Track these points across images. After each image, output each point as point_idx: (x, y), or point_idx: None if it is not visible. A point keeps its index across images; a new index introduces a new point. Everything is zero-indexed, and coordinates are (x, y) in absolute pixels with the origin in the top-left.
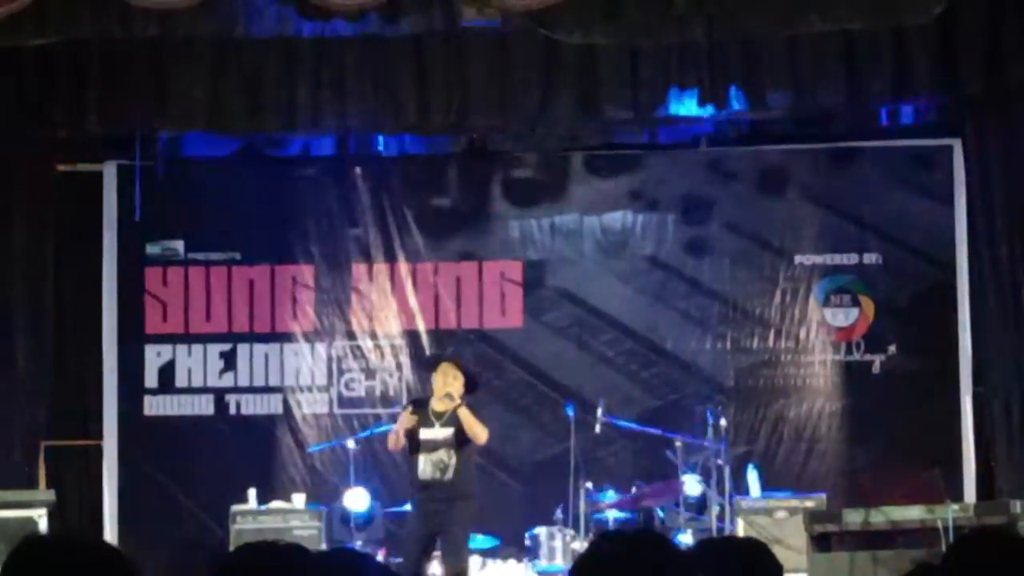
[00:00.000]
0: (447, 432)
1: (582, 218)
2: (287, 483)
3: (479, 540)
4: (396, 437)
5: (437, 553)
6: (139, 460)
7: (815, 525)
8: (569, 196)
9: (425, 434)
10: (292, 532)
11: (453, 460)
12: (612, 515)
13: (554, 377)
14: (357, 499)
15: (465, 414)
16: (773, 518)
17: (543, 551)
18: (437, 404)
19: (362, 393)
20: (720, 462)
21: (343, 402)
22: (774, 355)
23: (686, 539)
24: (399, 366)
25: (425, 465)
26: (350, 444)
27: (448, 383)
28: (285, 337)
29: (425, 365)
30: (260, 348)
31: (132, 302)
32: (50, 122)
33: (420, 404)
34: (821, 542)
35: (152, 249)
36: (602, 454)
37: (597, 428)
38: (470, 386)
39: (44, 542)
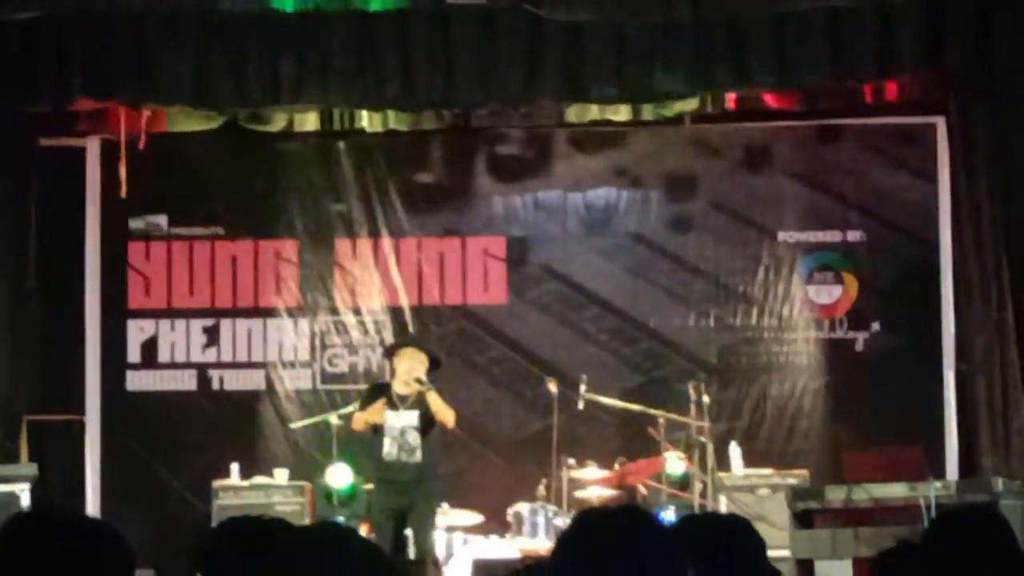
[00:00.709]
0: (412, 415)
1: (566, 194)
2: (270, 459)
3: (461, 516)
4: (364, 422)
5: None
6: (121, 435)
7: (797, 502)
8: (553, 172)
9: (391, 417)
10: (275, 507)
11: (419, 442)
12: (594, 492)
13: (537, 353)
14: (339, 476)
15: (434, 398)
16: (755, 495)
17: (525, 527)
18: (401, 388)
19: (345, 369)
20: (703, 439)
21: (326, 378)
22: (757, 332)
23: (668, 516)
24: (382, 342)
25: (391, 447)
26: (333, 420)
27: (414, 368)
28: (268, 312)
29: (385, 354)
30: (243, 323)
31: (115, 277)
32: (33, 97)
33: (382, 388)
34: (803, 519)
35: (135, 224)
36: (584, 431)
37: (580, 405)
38: (433, 366)
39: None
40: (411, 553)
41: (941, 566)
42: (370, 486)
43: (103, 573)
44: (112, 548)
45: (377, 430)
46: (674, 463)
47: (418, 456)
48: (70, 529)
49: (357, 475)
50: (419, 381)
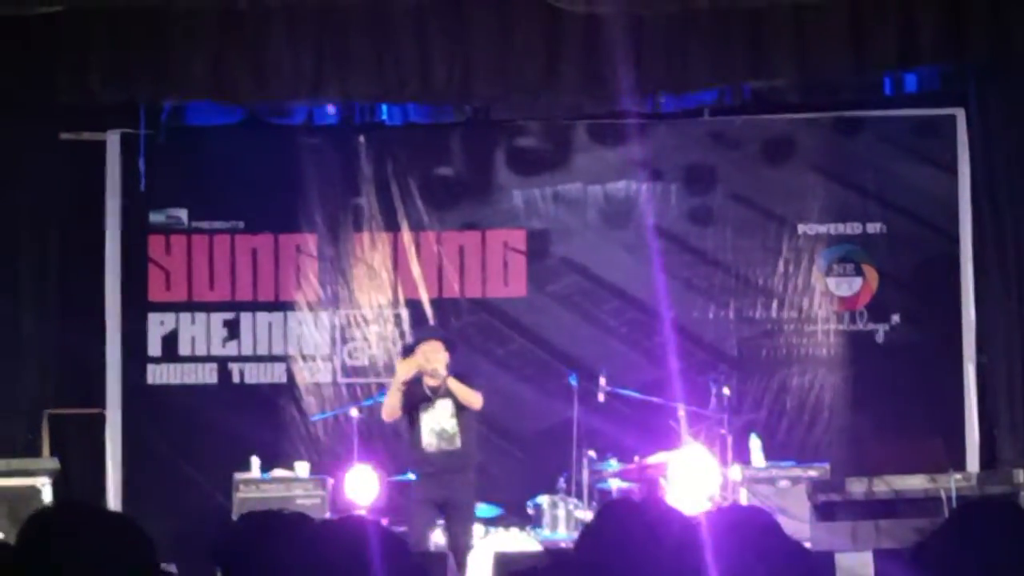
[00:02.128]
0: (446, 403)
1: (585, 187)
2: (290, 452)
3: (482, 509)
4: (391, 407)
5: (440, 522)
6: (142, 429)
7: (818, 494)
8: (572, 165)
9: (425, 408)
10: (295, 501)
11: (457, 429)
12: (615, 484)
13: (557, 346)
14: (361, 481)
15: (455, 384)
16: (776, 487)
17: (546, 520)
18: (429, 381)
19: (365, 362)
20: (723, 431)
21: (346, 371)
22: (777, 325)
23: (690, 508)
24: (402, 335)
25: (429, 437)
26: (353, 413)
27: (431, 360)
28: (288, 306)
29: (404, 353)
30: (263, 317)
31: (135, 270)
32: (53, 91)
33: (414, 384)
34: (824, 511)
35: (156, 217)
36: (605, 423)
37: (600, 397)
38: (451, 350)
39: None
40: (446, 544)
41: (959, 557)
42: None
43: (126, 566)
44: (134, 541)
45: (414, 422)
46: (694, 455)
47: (458, 443)
48: (93, 523)
49: (377, 470)
50: (436, 373)
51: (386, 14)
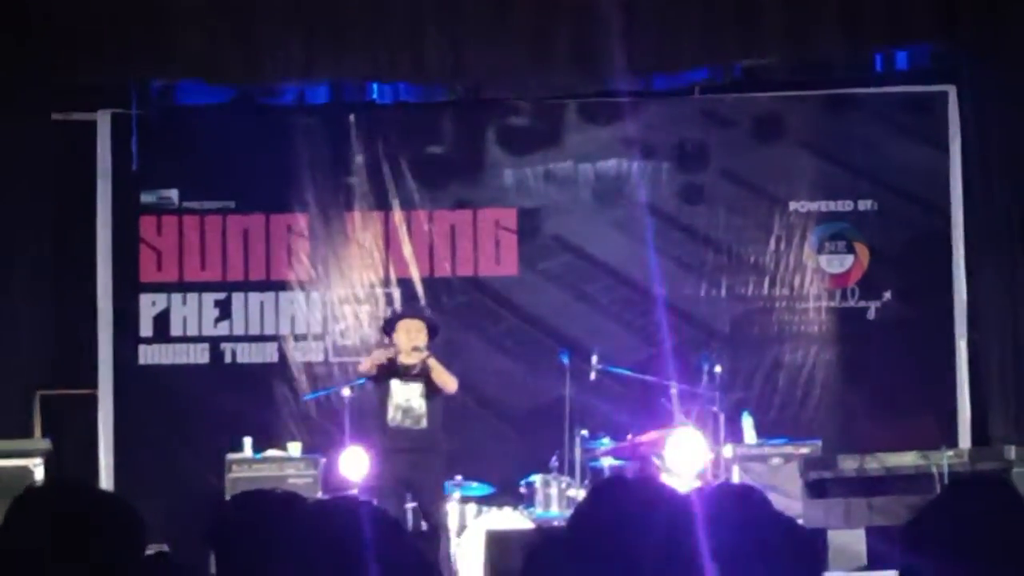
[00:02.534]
0: (418, 383)
1: (577, 166)
2: (282, 432)
3: (474, 488)
4: (370, 364)
5: (411, 504)
6: (134, 409)
7: (810, 471)
8: (564, 144)
9: (396, 384)
10: (288, 480)
11: (425, 409)
12: (607, 462)
13: (549, 325)
14: (353, 462)
15: (434, 363)
16: (768, 464)
17: (538, 498)
18: (406, 359)
19: (357, 341)
20: (715, 409)
21: (338, 350)
22: (769, 302)
23: (682, 486)
24: (394, 314)
25: (395, 413)
26: (345, 392)
27: (413, 337)
28: (280, 286)
29: (384, 330)
30: (255, 297)
31: (127, 251)
32: (44, 71)
33: (387, 362)
34: (816, 488)
35: (147, 198)
36: (597, 401)
37: (592, 375)
38: (432, 333)
39: (46, 491)
40: (422, 526)
41: (950, 533)
42: None
43: (115, 544)
44: (123, 519)
45: (383, 397)
46: (686, 433)
47: (424, 424)
48: (82, 501)
49: (369, 449)
50: (417, 349)
51: None
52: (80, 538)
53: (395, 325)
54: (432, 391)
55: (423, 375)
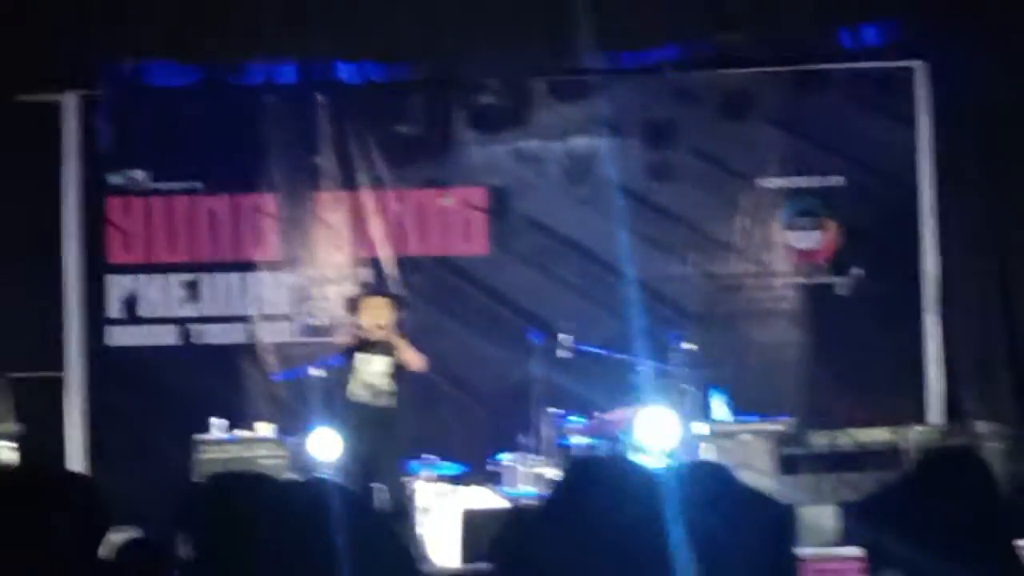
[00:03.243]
0: (383, 360)
1: (546, 144)
2: (252, 413)
3: (445, 467)
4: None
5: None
6: (103, 391)
7: (782, 448)
8: (533, 122)
9: (362, 362)
10: (258, 461)
11: (387, 388)
12: (577, 440)
13: (520, 303)
14: (323, 442)
15: (398, 341)
16: (739, 441)
17: (508, 477)
18: (372, 335)
19: (326, 321)
20: (686, 387)
21: (307, 330)
22: (739, 279)
23: (652, 463)
24: (364, 294)
25: (359, 388)
26: (315, 372)
27: (378, 315)
28: (248, 266)
29: (348, 309)
30: (223, 277)
31: (94, 232)
32: (8, 51)
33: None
34: (788, 465)
35: (114, 179)
36: (568, 380)
37: (559, 353)
38: (400, 308)
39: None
40: (383, 504)
41: (920, 508)
42: None
43: (79, 523)
44: (88, 499)
45: (349, 371)
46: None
47: (386, 401)
48: (45, 481)
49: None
50: (380, 327)
51: None
52: (45, 518)
53: (359, 304)
54: (399, 369)
55: (389, 353)
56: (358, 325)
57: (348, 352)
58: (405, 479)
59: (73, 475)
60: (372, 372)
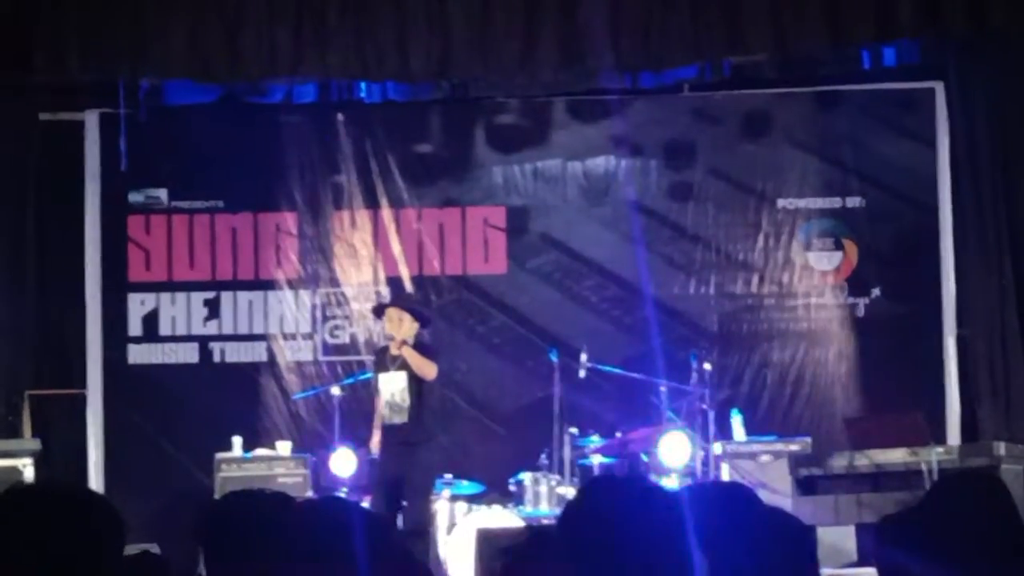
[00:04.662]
0: (401, 375)
1: (565, 164)
2: (272, 431)
3: (464, 486)
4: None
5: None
6: (123, 409)
7: (800, 469)
8: (552, 142)
9: (383, 378)
10: (277, 480)
11: (408, 403)
12: (597, 460)
13: (538, 323)
14: (343, 461)
15: (409, 352)
16: (757, 462)
17: (528, 496)
18: (392, 349)
19: (346, 340)
20: (704, 407)
21: (327, 349)
22: (758, 299)
23: (670, 484)
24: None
25: (385, 408)
26: (335, 391)
27: (392, 327)
28: (269, 285)
29: (374, 315)
30: (244, 296)
31: (115, 251)
32: (30, 70)
33: (382, 352)
34: (806, 485)
35: (135, 197)
36: (586, 400)
37: (581, 373)
38: (421, 323)
39: (29, 490)
40: (402, 525)
41: (938, 531)
42: None
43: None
44: (102, 517)
45: (378, 394)
46: (675, 430)
47: (405, 417)
48: (60, 499)
49: (359, 447)
50: (390, 338)
51: None
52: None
53: (383, 312)
54: (416, 380)
55: (405, 365)
56: (389, 336)
57: (375, 370)
58: (431, 498)
59: (87, 493)
60: (394, 389)
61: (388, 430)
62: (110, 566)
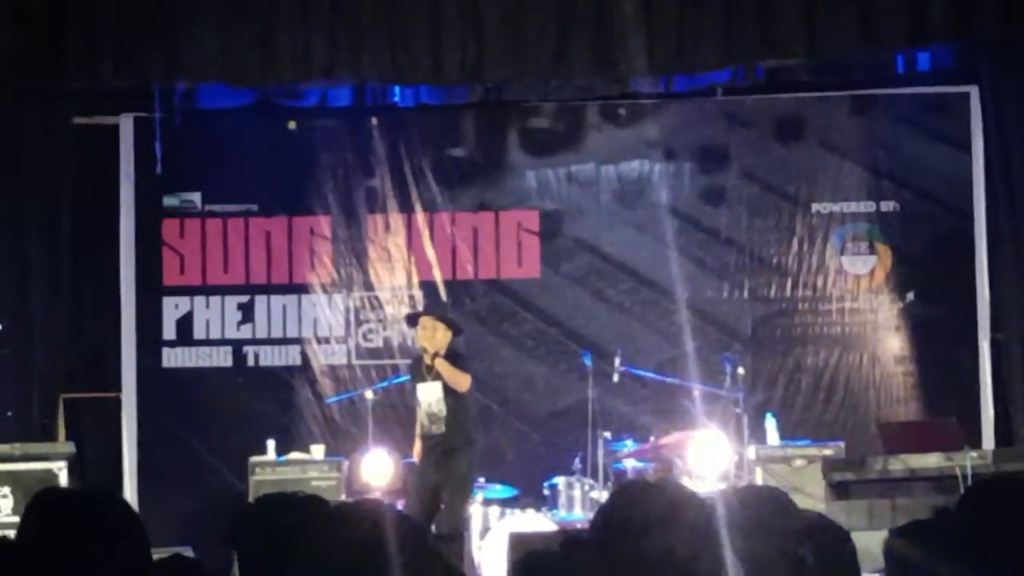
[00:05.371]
0: (437, 385)
1: (599, 167)
2: (305, 434)
3: (497, 490)
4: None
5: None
6: (158, 412)
7: (833, 473)
8: (586, 146)
9: (420, 389)
10: (311, 483)
11: (444, 413)
12: (631, 464)
13: (571, 327)
14: (377, 465)
15: (440, 363)
16: (791, 466)
17: (562, 500)
18: (426, 359)
19: (380, 344)
20: (738, 411)
21: (361, 353)
22: (792, 303)
23: (704, 488)
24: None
25: (422, 419)
26: (368, 395)
27: (426, 337)
28: (303, 288)
29: (407, 324)
30: (278, 299)
31: (150, 254)
32: (65, 75)
33: (417, 361)
34: (839, 490)
35: (169, 201)
36: (620, 403)
37: (615, 377)
38: (455, 332)
39: (58, 494)
40: (436, 528)
41: (973, 536)
42: None
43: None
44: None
45: (416, 403)
46: (709, 435)
47: (443, 427)
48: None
49: (392, 451)
50: (424, 350)
51: None
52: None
53: (416, 322)
54: (449, 392)
55: (440, 375)
56: (424, 348)
57: (412, 379)
58: (468, 502)
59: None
60: (431, 400)
61: (427, 439)
62: (129, 564)
